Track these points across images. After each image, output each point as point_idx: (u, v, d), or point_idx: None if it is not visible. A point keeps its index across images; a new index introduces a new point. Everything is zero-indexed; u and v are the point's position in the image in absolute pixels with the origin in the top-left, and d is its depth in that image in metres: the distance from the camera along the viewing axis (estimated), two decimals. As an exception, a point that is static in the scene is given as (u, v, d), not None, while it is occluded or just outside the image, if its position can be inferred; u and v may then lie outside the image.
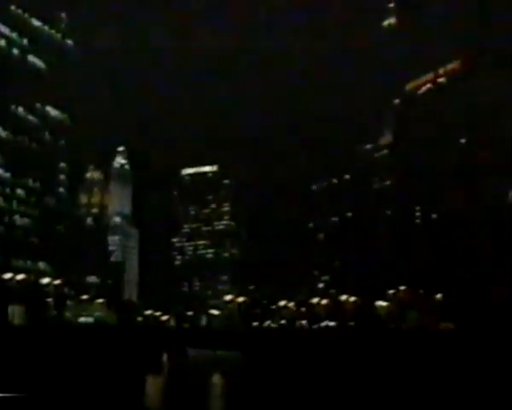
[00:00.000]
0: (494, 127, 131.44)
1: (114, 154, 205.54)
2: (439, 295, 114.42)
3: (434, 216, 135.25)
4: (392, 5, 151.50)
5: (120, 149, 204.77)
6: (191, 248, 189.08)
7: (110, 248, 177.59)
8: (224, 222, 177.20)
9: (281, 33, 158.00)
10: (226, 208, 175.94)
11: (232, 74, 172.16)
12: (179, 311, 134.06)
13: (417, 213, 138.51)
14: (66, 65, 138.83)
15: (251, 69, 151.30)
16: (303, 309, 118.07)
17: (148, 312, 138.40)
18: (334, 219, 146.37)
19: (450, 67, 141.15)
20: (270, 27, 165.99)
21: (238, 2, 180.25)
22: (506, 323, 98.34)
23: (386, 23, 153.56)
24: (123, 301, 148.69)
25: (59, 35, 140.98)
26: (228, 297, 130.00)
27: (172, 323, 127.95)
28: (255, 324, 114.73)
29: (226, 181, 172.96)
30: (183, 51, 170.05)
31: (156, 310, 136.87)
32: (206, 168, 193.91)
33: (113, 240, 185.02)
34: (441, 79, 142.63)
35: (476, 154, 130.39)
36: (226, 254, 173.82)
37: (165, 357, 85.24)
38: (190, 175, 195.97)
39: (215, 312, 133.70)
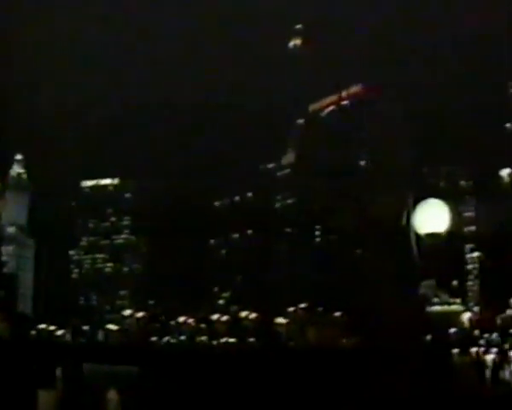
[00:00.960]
0: (390, 153, 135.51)
1: (12, 162, 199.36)
2: (338, 313, 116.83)
3: (334, 235, 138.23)
4: (298, 26, 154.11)
5: (18, 157, 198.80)
6: (89, 261, 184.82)
7: (3, 258, 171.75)
8: (124, 236, 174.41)
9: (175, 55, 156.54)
10: (126, 222, 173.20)
11: (138, 85, 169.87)
12: (75, 325, 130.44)
13: (317, 232, 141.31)
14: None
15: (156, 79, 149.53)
16: (203, 325, 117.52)
17: (43, 326, 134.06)
18: (236, 235, 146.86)
19: (353, 90, 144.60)
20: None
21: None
22: (405, 338, 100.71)
23: (291, 44, 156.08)
24: (16, 314, 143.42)
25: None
26: (127, 312, 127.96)
27: (68, 337, 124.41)
28: (154, 339, 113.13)
29: (127, 195, 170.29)
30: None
31: (51, 324, 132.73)
32: (107, 181, 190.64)
33: (7, 250, 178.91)
34: (344, 102, 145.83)
35: (374, 176, 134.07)
36: (126, 269, 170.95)
37: (59, 372, 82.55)
38: (90, 188, 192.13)
39: (113, 327, 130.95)
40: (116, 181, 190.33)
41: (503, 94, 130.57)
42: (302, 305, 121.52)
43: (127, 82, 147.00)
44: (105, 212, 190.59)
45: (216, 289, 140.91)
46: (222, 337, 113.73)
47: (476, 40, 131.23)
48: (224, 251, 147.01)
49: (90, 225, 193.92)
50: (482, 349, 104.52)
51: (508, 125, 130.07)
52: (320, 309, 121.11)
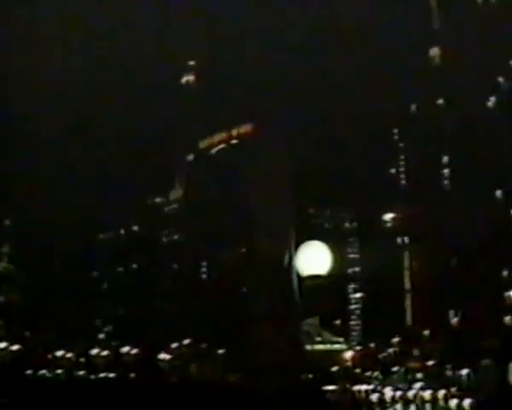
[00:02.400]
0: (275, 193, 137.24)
1: None
2: (221, 350, 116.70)
3: (218, 273, 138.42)
4: (192, 63, 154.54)
5: None
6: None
7: None
8: (2, 264, 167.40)
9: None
10: (4, 250, 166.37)
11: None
12: None
13: (203, 269, 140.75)
14: None
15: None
16: (82, 360, 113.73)
17: None
18: (120, 269, 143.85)
19: (243, 129, 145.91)
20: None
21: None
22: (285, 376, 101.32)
23: (184, 80, 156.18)
24: None
25: None
26: (1, 345, 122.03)
27: None
28: (29, 372, 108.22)
29: (6, 221, 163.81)
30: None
31: None
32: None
33: None
34: (234, 141, 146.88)
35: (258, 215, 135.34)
36: (1, 299, 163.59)
37: None
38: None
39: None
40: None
41: (387, 140, 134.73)
42: (186, 341, 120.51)
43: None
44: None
45: (97, 322, 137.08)
46: (101, 372, 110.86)
47: (361, 88, 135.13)
48: (106, 284, 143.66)
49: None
50: (364, 387, 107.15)
51: (392, 170, 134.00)
52: (204, 346, 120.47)
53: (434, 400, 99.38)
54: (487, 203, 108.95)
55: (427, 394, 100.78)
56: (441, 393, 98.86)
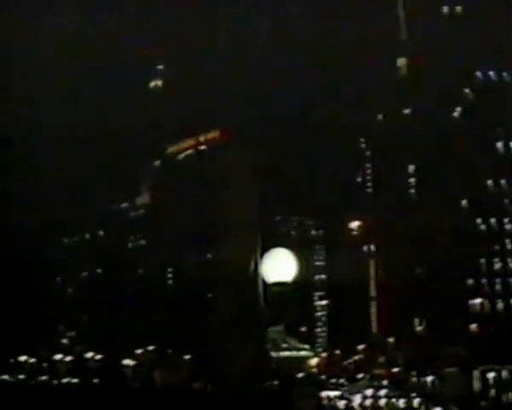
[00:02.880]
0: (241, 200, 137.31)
1: None
2: (187, 356, 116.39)
3: (186, 278, 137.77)
4: (160, 67, 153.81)
5: None
6: None
7: None
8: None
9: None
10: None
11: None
12: None
13: (169, 275, 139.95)
14: None
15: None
16: (45, 365, 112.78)
17: None
18: (85, 274, 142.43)
19: (210, 135, 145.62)
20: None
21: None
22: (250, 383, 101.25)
23: (152, 84, 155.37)
24: None
25: None
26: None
27: None
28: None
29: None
30: None
31: None
32: None
33: None
34: (202, 147, 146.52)
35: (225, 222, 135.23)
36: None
37: None
38: None
39: None
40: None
41: (354, 148, 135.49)
42: (151, 347, 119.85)
43: None
44: None
45: (61, 327, 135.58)
46: (64, 378, 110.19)
47: (329, 96, 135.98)
48: (70, 289, 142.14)
49: None
50: (332, 394, 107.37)
51: (358, 179, 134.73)
52: (169, 352, 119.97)
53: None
54: (453, 212, 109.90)
55: (401, 402, 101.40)
56: (416, 402, 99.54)
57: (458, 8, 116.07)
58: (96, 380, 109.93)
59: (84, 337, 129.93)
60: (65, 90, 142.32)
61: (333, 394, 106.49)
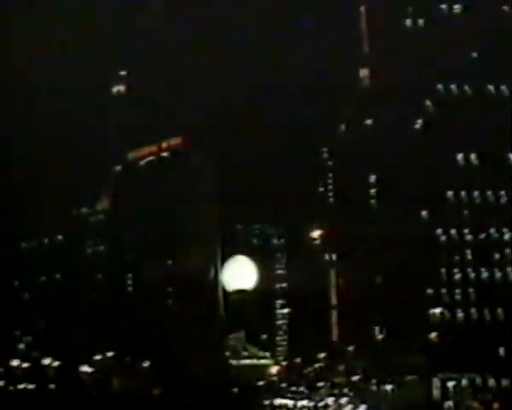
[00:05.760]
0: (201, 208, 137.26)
1: None
2: (146, 363, 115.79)
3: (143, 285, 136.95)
4: (123, 73, 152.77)
5: None
6: None
7: None
8: None
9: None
10: None
11: None
12: None
13: (128, 281, 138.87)
14: None
15: None
16: (1, 370, 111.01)
17: None
18: (43, 279, 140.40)
19: (173, 142, 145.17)
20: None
21: None
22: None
23: (115, 90, 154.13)
24: None
25: None
26: None
27: None
28: None
29: None
30: None
31: None
32: None
33: None
34: (163, 153, 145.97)
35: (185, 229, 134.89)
36: None
37: None
38: None
39: None
40: None
41: (316, 158, 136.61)
42: (109, 353, 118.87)
43: None
44: None
45: (17, 332, 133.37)
46: (20, 383, 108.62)
47: (292, 106, 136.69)
48: (27, 294, 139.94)
49: None
50: (290, 402, 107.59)
51: (320, 188, 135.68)
52: (128, 358, 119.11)
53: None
54: (413, 222, 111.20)
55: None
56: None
57: (420, 21, 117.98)
58: (52, 386, 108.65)
59: (42, 343, 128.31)
60: (23, 92, 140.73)
61: (292, 402, 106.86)
